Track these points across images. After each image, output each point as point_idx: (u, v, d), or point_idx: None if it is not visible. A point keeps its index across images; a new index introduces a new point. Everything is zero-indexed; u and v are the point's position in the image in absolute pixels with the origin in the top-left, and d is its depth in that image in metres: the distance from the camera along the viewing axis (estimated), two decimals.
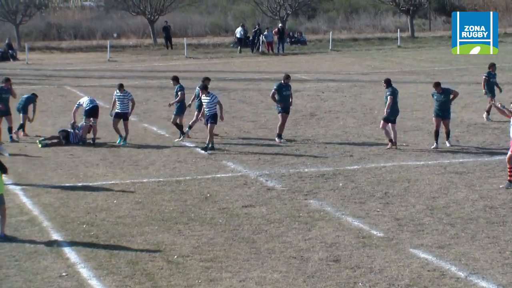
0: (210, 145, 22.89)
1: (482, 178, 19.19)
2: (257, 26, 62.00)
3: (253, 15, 76.00)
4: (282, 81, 24.19)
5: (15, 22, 66.87)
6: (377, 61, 50.81)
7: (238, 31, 61.69)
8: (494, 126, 26.17)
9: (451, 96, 22.86)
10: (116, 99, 24.30)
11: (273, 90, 24.22)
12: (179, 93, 24.86)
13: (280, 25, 62.93)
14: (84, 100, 24.90)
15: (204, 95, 23.13)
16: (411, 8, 69.62)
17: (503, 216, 15.97)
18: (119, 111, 24.28)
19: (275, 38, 60.28)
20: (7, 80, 25.68)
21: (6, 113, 25.04)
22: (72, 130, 24.61)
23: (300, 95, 34.93)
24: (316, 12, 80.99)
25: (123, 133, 24.24)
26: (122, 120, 24.26)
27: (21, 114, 25.88)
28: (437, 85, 22.95)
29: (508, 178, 18.22)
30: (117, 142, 24.05)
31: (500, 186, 18.18)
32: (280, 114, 24.10)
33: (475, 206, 16.77)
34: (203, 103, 23.15)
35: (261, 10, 71.61)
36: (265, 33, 60.29)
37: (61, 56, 59.60)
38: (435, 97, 23.02)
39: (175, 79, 25.43)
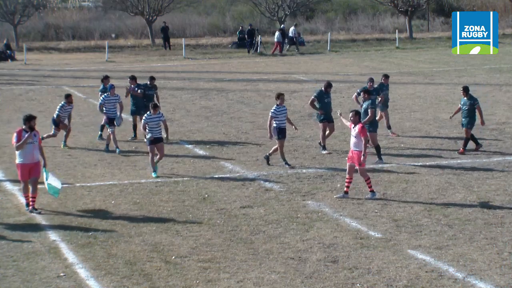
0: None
1: (480, 179, 19.20)
2: (249, 27, 62.00)
3: (251, 16, 76.03)
4: (323, 89, 22.78)
5: (13, 22, 66.86)
6: (375, 62, 50.83)
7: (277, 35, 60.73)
8: (492, 127, 26.18)
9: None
10: (149, 122, 20.12)
11: (312, 97, 22.95)
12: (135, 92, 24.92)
13: (282, 25, 63.17)
14: (107, 104, 23.41)
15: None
16: (410, 9, 69.65)
17: (501, 217, 15.98)
18: (155, 136, 20.14)
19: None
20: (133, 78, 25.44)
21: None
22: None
23: (298, 95, 34.96)
24: (314, 13, 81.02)
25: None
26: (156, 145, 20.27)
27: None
28: (366, 92, 21.76)
29: (345, 189, 17.78)
30: (153, 175, 20.04)
31: (335, 196, 17.74)
32: (321, 123, 22.75)
33: (473, 207, 16.78)
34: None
35: (260, 11, 71.64)
36: (276, 33, 60.32)
37: (59, 57, 59.58)
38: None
39: (106, 78, 25.37)
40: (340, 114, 19.51)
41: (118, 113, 23.60)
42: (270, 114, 20.82)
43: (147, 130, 20.09)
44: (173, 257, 13.85)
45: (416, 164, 21.02)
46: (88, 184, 19.40)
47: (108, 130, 23.34)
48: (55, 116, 24.00)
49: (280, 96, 20.86)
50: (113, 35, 72.34)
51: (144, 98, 24.96)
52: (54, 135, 24.03)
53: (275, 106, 20.87)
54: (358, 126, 17.64)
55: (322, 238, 14.81)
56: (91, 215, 16.61)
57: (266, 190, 18.56)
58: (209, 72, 46.82)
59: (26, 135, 16.66)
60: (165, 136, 20.95)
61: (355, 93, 23.80)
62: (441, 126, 26.77)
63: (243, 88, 38.52)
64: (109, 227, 15.71)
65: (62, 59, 57.56)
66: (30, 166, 16.82)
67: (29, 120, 16.91)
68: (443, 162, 21.18)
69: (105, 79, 25.57)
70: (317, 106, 22.75)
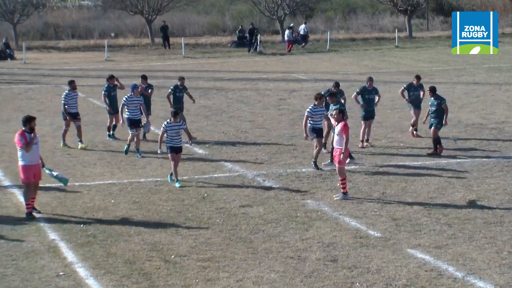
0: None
1: (480, 179, 19.20)
2: (251, 26, 62.04)
3: (250, 15, 76.00)
4: (333, 88, 22.76)
5: (12, 21, 66.83)
6: (374, 61, 50.82)
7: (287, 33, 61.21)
8: (492, 127, 26.18)
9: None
10: (168, 130, 18.94)
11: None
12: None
13: (292, 24, 63.82)
14: (130, 105, 22.45)
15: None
16: (409, 8, 69.65)
17: (501, 217, 15.97)
18: (175, 145, 19.03)
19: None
20: (112, 77, 25.07)
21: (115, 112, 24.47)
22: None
23: (297, 95, 34.96)
24: (313, 12, 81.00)
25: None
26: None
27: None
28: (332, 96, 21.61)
29: (342, 190, 17.61)
30: (178, 186, 18.91)
31: (334, 197, 17.60)
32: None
33: (472, 206, 16.77)
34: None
35: (259, 10, 71.62)
36: (287, 32, 60.81)
37: (59, 56, 59.55)
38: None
39: (111, 78, 25.09)
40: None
41: (145, 119, 22.95)
42: (305, 113, 20.46)
43: (165, 138, 19.03)
44: (173, 256, 13.85)
45: (416, 163, 21.02)
46: (88, 183, 19.40)
47: (130, 133, 22.48)
48: (62, 108, 23.86)
49: (321, 98, 20.54)
50: (112, 34, 72.30)
51: (174, 101, 24.72)
52: (78, 127, 23.80)
53: (312, 105, 20.46)
54: (340, 124, 17.66)
55: (321, 237, 14.80)
56: (90, 214, 16.60)
57: (265, 189, 18.55)
58: (208, 71, 46.79)
59: (32, 136, 16.44)
60: (189, 140, 19.90)
61: (354, 93, 23.79)
62: None
63: (243, 87, 38.51)
64: (109, 226, 15.71)
65: (62, 58, 57.53)
66: (35, 167, 16.54)
67: (29, 121, 16.52)
68: (443, 161, 21.17)
69: (111, 78, 25.15)
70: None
